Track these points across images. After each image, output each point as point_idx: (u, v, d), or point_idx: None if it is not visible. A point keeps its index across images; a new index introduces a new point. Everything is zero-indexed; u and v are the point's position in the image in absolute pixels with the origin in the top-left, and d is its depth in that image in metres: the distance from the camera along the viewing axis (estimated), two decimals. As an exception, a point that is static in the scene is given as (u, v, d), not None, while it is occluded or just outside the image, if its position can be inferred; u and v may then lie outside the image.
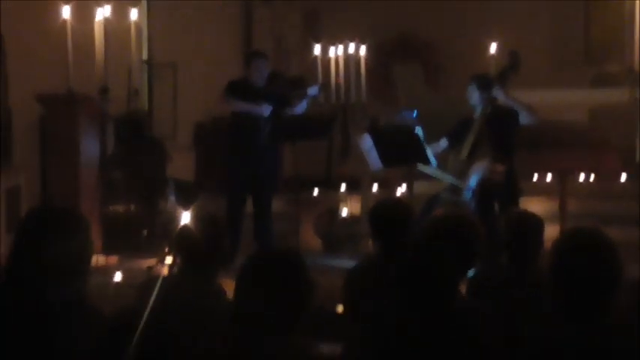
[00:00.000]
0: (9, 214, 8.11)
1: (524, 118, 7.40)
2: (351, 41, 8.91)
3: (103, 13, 7.66)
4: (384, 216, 4.66)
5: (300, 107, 8.11)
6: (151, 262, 7.78)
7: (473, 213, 7.24)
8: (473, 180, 7.41)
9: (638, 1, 12.00)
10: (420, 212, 6.81)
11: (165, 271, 6.82)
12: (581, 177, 9.94)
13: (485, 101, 7.47)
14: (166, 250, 7.11)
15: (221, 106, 8.26)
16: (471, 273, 4.30)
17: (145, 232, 9.28)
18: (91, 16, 7.68)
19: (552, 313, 3.25)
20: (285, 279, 2.80)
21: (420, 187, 8.79)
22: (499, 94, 7.44)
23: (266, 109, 7.92)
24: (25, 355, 2.83)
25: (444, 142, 7.69)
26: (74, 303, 2.92)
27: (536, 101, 8.27)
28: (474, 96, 7.51)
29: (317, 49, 8.85)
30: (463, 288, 4.04)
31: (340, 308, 4.83)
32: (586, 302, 3.17)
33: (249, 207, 8.25)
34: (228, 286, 3.20)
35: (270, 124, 7.88)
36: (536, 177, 9.57)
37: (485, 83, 7.50)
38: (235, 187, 8.11)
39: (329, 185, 10.33)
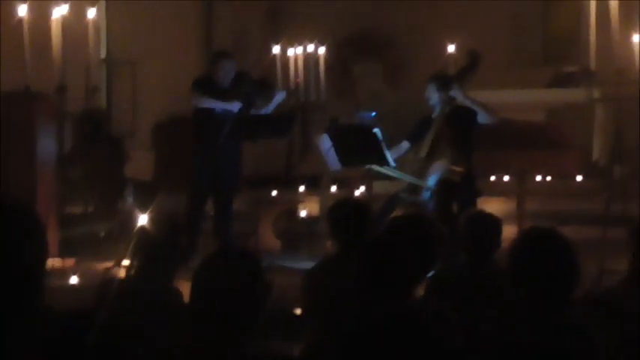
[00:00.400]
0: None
1: (482, 118, 7.44)
2: (311, 41, 8.91)
3: (60, 10, 7.59)
4: (342, 215, 4.67)
5: (265, 110, 8.08)
6: (109, 263, 7.71)
7: (431, 213, 7.28)
8: (432, 180, 7.44)
9: (593, 1, 12.13)
10: (378, 212, 6.81)
11: (122, 272, 6.78)
12: (539, 177, 10.02)
13: (444, 101, 7.49)
14: (124, 251, 7.05)
15: (195, 102, 8.18)
16: (430, 273, 4.32)
17: (102, 233, 9.22)
18: (49, 14, 7.61)
19: (510, 312, 3.27)
20: (241, 279, 2.79)
21: (379, 187, 8.82)
22: (457, 94, 7.47)
23: (236, 106, 7.89)
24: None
25: (405, 145, 7.70)
26: (29, 305, 2.89)
27: (494, 101, 8.33)
28: (433, 96, 7.53)
29: (276, 49, 8.84)
30: (422, 288, 4.06)
31: (299, 309, 4.82)
32: (543, 301, 3.20)
33: (209, 206, 8.22)
34: (185, 287, 3.18)
35: (229, 123, 7.85)
36: (493, 177, 9.64)
37: (444, 83, 7.52)
38: (197, 185, 8.07)
39: (288, 185, 10.31)
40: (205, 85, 8.04)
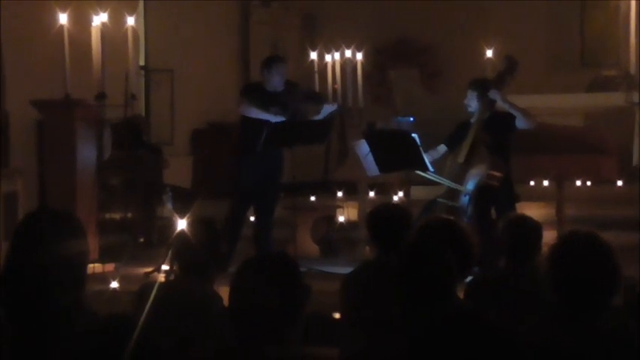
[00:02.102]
0: (7, 220, 8.10)
1: (520, 123, 7.40)
2: (348, 46, 8.90)
3: (100, 18, 7.66)
4: (383, 221, 4.66)
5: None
6: (148, 268, 7.76)
7: (470, 218, 7.25)
8: (470, 185, 7.42)
9: (633, 5, 12.02)
10: (417, 217, 6.80)
11: (162, 278, 6.82)
12: (578, 182, 9.95)
13: (483, 106, 7.46)
14: (163, 256, 7.10)
15: (241, 109, 8.21)
16: (468, 278, 4.30)
17: (142, 238, 9.28)
18: (89, 22, 7.68)
19: (550, 316, 3.25)
20: (279, 283, 2.80)
21: (417, 192, 8.80)
22: (496, 97, 7.45)
23: (278, 119, 7.89)
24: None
25: (442, 148, 7.68)
26: (72, 308, 2.92)
27: (532, 106, 8.28)
28: (473, 102, 7.50)
29: (313, 54, 8.85)
30: (461, 293, 4.04)
31: (337, 314, 4.83)
32: (584, 305, 3.17)
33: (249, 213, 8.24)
34: (225, 292, 3.20)
35: (266, 130, 7.87)
36: (533, 182, 9.58)
37: (483, 88, 7.49)
38: (241, 192, 8.08)
39: (326, 191, 10.32)
40: (254, 92, 8.04)
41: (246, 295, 2.81)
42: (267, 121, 7.83)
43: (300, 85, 8.42)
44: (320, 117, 8.06)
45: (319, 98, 8.33)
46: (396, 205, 5.17)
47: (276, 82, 7.97)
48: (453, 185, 7.47)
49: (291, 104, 7.95)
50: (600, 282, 3.18)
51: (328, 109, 8.12)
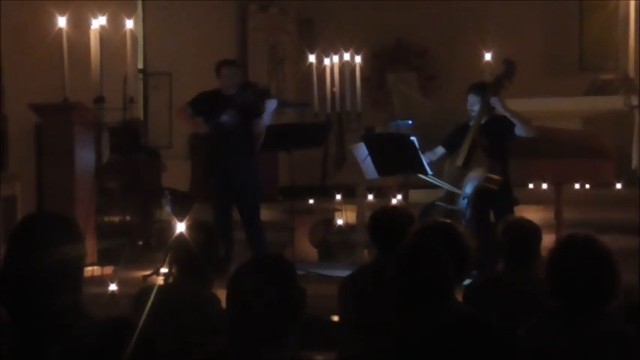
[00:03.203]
0: (5, 224, 8.09)
1: (520, 131, 7.40)
2: (346, 50, 8.90)
3: (98, 22, 7.66)
4: (384, 223, 4.66)
5: (264, 122, 7.96)
6: (147, 272, 7.76)
7: (468, 221, 7.25)
8: (468, 188, 7.41)
9: (632, 9, 12.03)
10: (417, 221, 6.79)
11: (160, 280, 6.82)
12: (577, 185, 9.94)
13: (482, 109, 7.46)
14: (162, 259, 7.10)
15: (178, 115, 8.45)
16: (467, 281, 4.29)
17: (140, 242, 9.28)
18: (87, 25, 7.67)
19: (549, 319, 3.25)
20: (275, 286, 2.80)
21: (416, 195, 8.80)
22: (497, 105, 7.44)
23: (224, 118, 7.91)
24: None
25: (440, 150, 7.68)
26: (70, 312, 2.91)
27: (531, 109, 8.29)
28: (477, 106, 7.47)
29: (312, 58, 8.85)
30: (460, 296, 4.04)
31: (335, 317, 4.82)
32: (582, 309, 3.17)
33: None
34: (223, 295, 3.20)
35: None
36: (531, 185, 9.57)
37: (485, 92, 7.48)
38: (216, 197, 8.09)
39: (324, 194, 10.32)
40: (207, 97, 8.07)
41: (242, 298, 2.81)
42: (215, 127, 7.88)
43: (253, 84, 8.43)
44: (266, 115, 7.98)
45: (264, 94, 8.31)
46: (398, 208, 5.16)
47: (225, 85, 8.00)
48: (452, 188, 7.47)
49: (239, 103, 7.94)
50: (598, 286, 3.18)
51: (271, 105, 8.04)
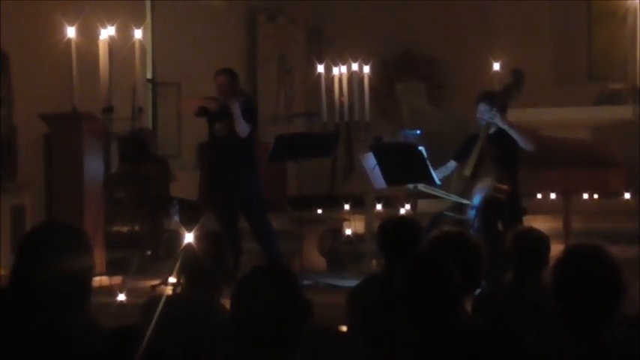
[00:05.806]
0: (14, 233, 8.11)
1: (521, 144, 7.40)
2: (355, 59, 8.91)
3: (107, 32, 7.68)
4: (393, 233, 4.66)
5: (241, 126, 7.93)
6: (155, 281, 7.77)
7: (476, 231, 7.24)
8: (477, 198, 7.40)
9: (640, 19, 12.02)
10: (425, 230, 6.79)
11: (168, 290, 6.82)
12: (585, 195, 9.93)
13: (488, 121, 7.44)
14: (170, 269, 7.10)
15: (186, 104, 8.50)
16: (476, 291, 4.28)
17: (149, 251, 9.29)
18: (96, 36, 7.70)
19: (556, 329, 3.24)
20: (277, 295, 2.79)
21: (424, 205, 8.79)
22: (497, 120, 7.41)
23: (216, 128, 7.96)
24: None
25: (452, 165, 7.65)
26: (77, 321, 2.92)
27: (539, 119, 8.27)
28: (486, 114, 7.45)
29: (320, 68, 8.86)
30: (469, 306, 4.03)
31: (344, 327, 4.81)
32: (589, 318, 3.17)
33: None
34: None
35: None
36: (540, 195, 9.56)
37: (494, 101, 7.46)
38: (217, 209, 8.12)
39: (333, 204, 10.32)
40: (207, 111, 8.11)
41: (246, 308, 2.81)
42: (222, 135, 7.93)
43: (244, 93, 8.41)
44: (238, 120, 7.92)
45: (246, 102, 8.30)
46: (407, 218, 5.16)
47: (218, 94, 8.02)
48: (459, 199, 7.45)
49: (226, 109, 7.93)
50: (604, 295, 3.18)
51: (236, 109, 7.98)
